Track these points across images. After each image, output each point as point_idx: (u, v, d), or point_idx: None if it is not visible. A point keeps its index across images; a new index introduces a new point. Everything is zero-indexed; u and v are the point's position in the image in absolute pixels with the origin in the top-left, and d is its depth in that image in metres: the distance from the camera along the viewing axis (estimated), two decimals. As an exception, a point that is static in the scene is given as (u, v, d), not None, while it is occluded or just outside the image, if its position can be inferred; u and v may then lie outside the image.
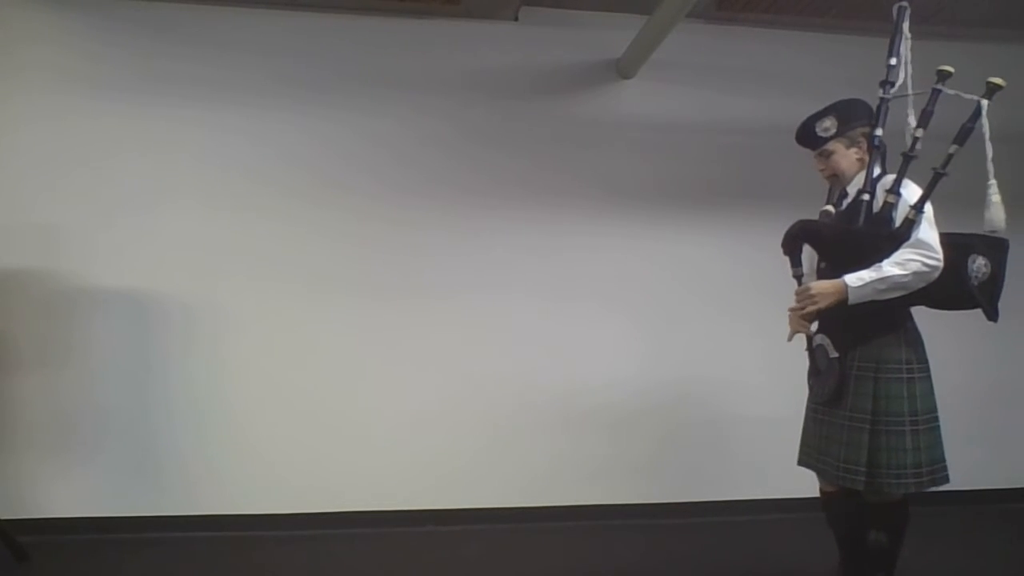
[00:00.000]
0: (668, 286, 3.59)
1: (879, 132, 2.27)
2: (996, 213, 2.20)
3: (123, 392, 3.25)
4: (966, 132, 2.20)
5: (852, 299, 2.11)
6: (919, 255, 2.07)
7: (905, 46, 2.29)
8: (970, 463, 3.79)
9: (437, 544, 3.22)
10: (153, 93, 3.26)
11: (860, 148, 2.31)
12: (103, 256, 3.23)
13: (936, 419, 2.24)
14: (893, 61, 2.29)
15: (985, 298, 2.21)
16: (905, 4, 2.31)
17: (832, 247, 2.25)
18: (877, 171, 2.24)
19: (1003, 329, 3.81)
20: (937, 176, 2.17)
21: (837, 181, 2.36)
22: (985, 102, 2.19)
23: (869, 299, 2.10)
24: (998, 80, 2.16)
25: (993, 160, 2.21)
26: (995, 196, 2.21)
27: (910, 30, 2.29)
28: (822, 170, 2.38)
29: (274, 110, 3.33)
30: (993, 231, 2.20)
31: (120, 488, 3.24)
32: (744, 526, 3.45)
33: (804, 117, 3.64)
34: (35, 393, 3.19)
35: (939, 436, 2.23)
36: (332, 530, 3.27)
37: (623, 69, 3.54)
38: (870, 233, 2.17)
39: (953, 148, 2.19)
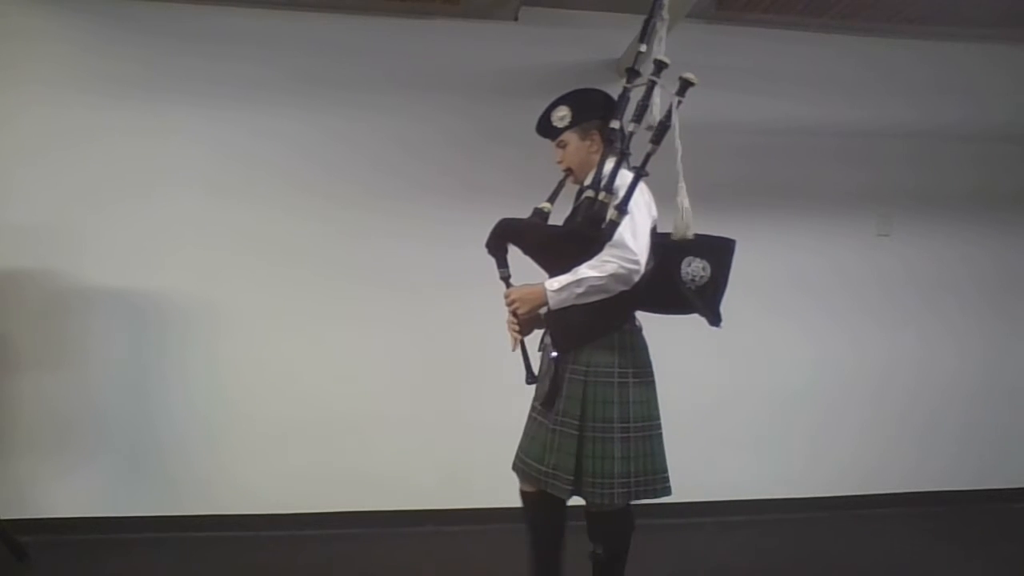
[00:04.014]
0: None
1: (614, 124, 2.12)
2: (685, 220, 2.06)
3: (123, 392, 3.25)
4: (662, 130, 2.05)
5: (552, 303, 2.02)
6: (616, 257, 1.96)
7: (662, 28, 2.13)
8: (970, 463, 3.84)
9: (438, 544, 3.22)
10: (153, 92, 3.25)
11: (594, 141, 2.19)
12: (102, 256, 3.23)
13: (654, 427, 2.11)
14: (643, 48, 2.14)
15: (704, 302, 2.10)
16: None
17: (535, 248, 2.15)
18: (610, 167, 2.08)
19: (1003, 329, 3.87)
20: (638, 175, 2.03)
21: (574, 174, 2.24)
22: (676, 99, 2.03)
23: (571, 303, 2.00)
24: (690, 76, 2.00)
25: (682, 160, 2.06)
26: (685, 201, 2.06)
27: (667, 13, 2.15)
28: (559, 162, 2.26)
29: (274, 109, 3.32)
30: (684, 239, 2.06)
31: (120, 488, 3.25)
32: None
33: (805, 117, 3.70)
34: (35, 393, 3.19)
35: (658, 445, 2.11)
36: (332, 530, 3.27)
37: (623, 69, 3.53)
38: (571, 234, 2.08)
39: (650, 148, 2.05)
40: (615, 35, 3.47)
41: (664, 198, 3.53)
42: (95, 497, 3.23)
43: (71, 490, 3.21)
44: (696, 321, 3.56)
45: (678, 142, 2.04)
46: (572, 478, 2.03)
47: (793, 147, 3.71)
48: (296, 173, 3.34)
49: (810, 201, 3.72)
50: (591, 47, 3.53)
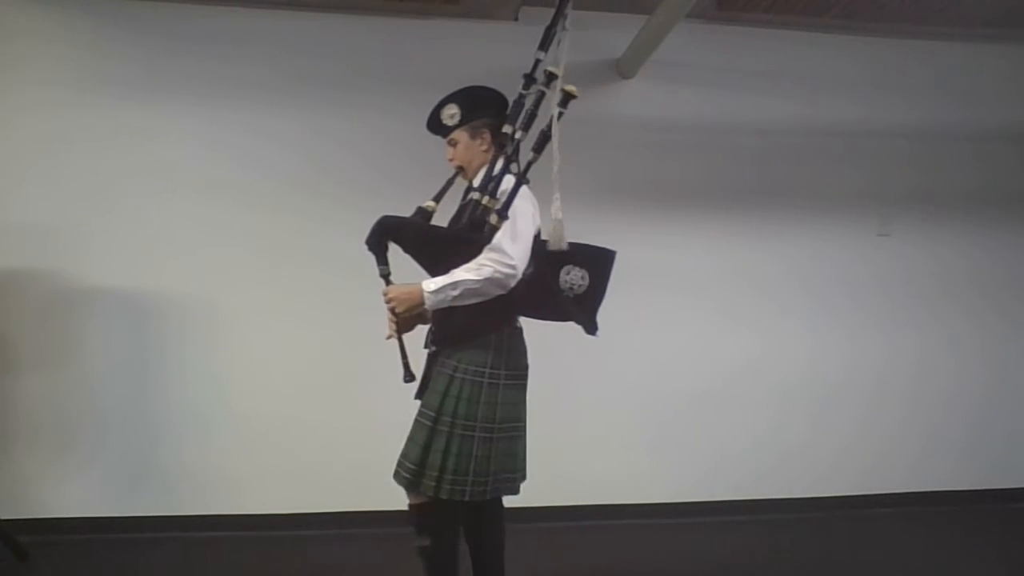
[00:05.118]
0: (665, 284, 3.59)
1: (506, 129, 2.09)
2: (558, 231, 2.04)
3: (123, 392, 3.25)
4: (543, 139, 2.05)
5: (427, 304, 2.02)
6: (492, 261, 1.96)
7: (566, 38, 2.10)
8: (970, 463, 3.84)
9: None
10: (152, 92, 3.25)
11: (484, 140, 2.19)
12: (102, 256, 3.23)
13: (518, 429, 2.13)
14: (542, 55, 2.12)
15: (582, 311, 2.13)
16: None
17: (414, 247, 2.12)
18: (499, 170, 2.07)
19: (1004, 328, 3.87)
20: (519, 182, 2.02)
21: (465, 173, 2.23)
22: (558, 110, 2.02)
23: (446, 304, 2.00)
24: (571, 88, 2.00)
25: (560, 171, 2.00)
26: (559, 213, 2.04)
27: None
28: (450, 160, 2.24)
29: (273, 109, 3.32)
30: (557, 250, 2.05)
31: (120, 488, 3.24)
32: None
33: (806, 117, 3.70)
34: (35, 393, 3.19)
35: (519, 447, 2.13)
36: (333, 530, 3.27)
37: (623, 69, 3.53)
38: (452, 236, 2.08)
39: (531, 156, 2.05)
40: (615, 35, 3.47)
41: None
42: (95, 497, 3.22)
43: (71, 490, 3.21)
44: (695, 320, 3.60)
45: (556, 153, 2.02)
46: (415, 468, 2.05)
47: (793, 147, 3.71)
48: (296, 173, 3.34)
49: (810, 201, 3.72)
50: (591, 47, 3.53)
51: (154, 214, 3.26)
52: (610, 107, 3.57)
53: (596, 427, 3.51)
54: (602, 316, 3.64)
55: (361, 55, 3.40)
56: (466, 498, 2.04)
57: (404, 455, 2.12)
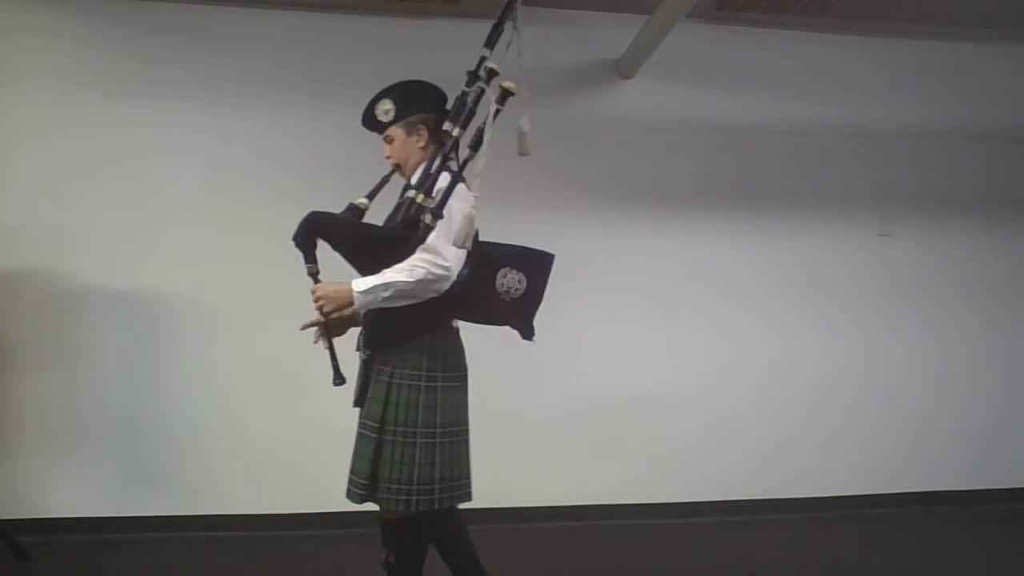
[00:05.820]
0: (667, 284, 3.59)
1: (447, 126, 2.04)
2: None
3: (123, 392, 3.25)
4: (480, 136, 1.99)
5: (357, 305, 1.94)
6: (426, 262, 1.89)
7: (516, 38, 2.08)
8: (970, 463, 3.84)
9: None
10: (150, 95, 3.25)
11: (421, 136, 2.12)
12: (101, 257, 3.23)
13: (462, 433, 2.07)
14: (488, 52, 2.07)
15: (518, 315, 2.08)
16: None
17: (344, 245, 2.04)
18: (436, 167, 2.02)
19: (1005, 328, 3.86)
20: (455, 180, 1.96)
21: (402, 171, 2.17)
22: (494, 107, 1.95)
23: (377, 306, 1.93)
24: (509, 85, 1.95)
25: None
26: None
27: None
28: (387, 157, 2.18)
29: (274, 106, 3.32)
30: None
31: (120, 488, 3.25)
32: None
33: (804, 117, 3.70)
34: (35, 394, 3.19)
35: (465, 450, 2.08)
36: (332, 530, 3.27)
37: (623, 69, 3.53)
38: (383, 235, 2.01)
39: (468, 153, 2.00)
40: (615, 35, 3.47)
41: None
42: (95, 497, 3.23)
43: (71, 490, 3.21)
44: (696, 320, 3.60)
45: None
46: (366, 483, 1.98)
47: (793, 146, 3.71)
48: (291, 174, 3.33)
49: (812, 200, 3.72)
50: (591, 47, 3.54)
51: (152, 215, 3.25)
52: (610, 107, 3.57)
53: (594, 427, 3.51)
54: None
55: (360, 54, 3.39)
56: (412, 509, 1.97)
57: (353, 470, 2.03)
